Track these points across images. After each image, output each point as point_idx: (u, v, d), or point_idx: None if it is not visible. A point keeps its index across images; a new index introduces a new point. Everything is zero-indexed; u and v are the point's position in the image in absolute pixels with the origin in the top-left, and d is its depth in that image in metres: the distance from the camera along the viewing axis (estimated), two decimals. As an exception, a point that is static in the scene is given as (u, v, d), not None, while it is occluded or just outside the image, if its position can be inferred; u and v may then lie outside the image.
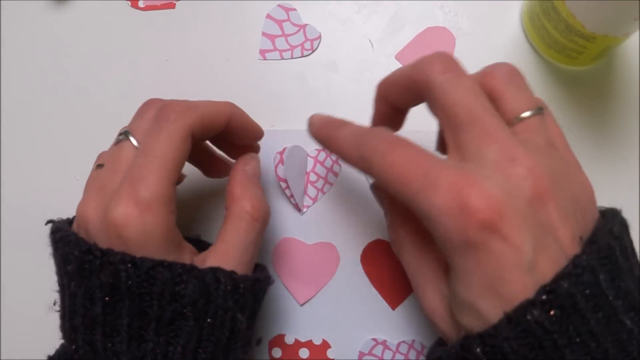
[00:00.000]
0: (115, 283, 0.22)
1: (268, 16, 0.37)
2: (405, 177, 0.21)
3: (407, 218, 0.26)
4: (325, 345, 0.32)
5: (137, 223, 0.22)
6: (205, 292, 0.23)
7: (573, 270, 0.19)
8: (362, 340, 0.32)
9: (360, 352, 0.31)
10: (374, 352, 0.31)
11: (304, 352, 0.32)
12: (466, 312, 0.21)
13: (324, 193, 0.33)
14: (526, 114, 0.23)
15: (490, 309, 0.19)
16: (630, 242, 0.22)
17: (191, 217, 0.33)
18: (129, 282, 0.22)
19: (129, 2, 0.37)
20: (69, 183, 0.35)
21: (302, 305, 0.32)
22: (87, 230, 0.24)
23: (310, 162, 0.34)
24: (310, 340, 0.32)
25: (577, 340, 0.19)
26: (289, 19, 0.36)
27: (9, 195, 0.35)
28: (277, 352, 0.32)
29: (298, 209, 0.33)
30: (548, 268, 0.19)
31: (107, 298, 0.23)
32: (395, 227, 0.27)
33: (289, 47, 0.36)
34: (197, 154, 0.30)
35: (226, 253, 0.25)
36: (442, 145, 0.24)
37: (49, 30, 0.37)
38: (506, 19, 0.36)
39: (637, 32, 0.31)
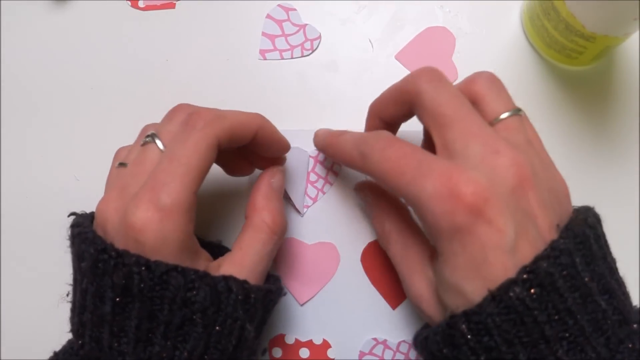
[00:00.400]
0: (128, 285, 0.23)
1: (268, 16, 0.37)
2: (400, 167, 0.23)
3: (392, 212, 0.29)
4: (326, 345, 0.32)
5: (155, 229, 0.23)
6: (216, 300, 0.23)
7: (551, 253, 0.21)
8: (362, 339, 0.32)
9: (360, 351, 0.31)
10: (374, 351, 0.31)
11: (304, 352, 0.32)
12: (452, 294, 0.22)
13: (324, 193, 0.33)
14: (505, 114, 0.25)
15: (474, 290, 0.21)
16: (603, 234, 0.24)
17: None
18: (142, 285, 0.22)
19: (129, 2, 0.37)
20: (69, 183, 0.35)
21: (302, 305, 0.32)
22: (105, 229, 0.24)
23: (311, 162, 0.34)
24: (311, 340, 0.32)
25: (556, 317, 0.21)
26: (289, 19, 0.36)
27: (9, 195, 0.35)
28: (277, 352, 0.32)
29: (298, 209, 0.33)
30: (528, 251, 0.21)
31: (117, 299, 0.23)
32: (381, 221, 0.29)
33: (289, 47, 0.36)
34: (221, 153, 0.30)
35: (242, 261, 0.26)
36: (427, 148, 0.26)
37: (49, 30, 0.37)
38: (506, 19, 0.36)
39: (637, 32, 0.31)
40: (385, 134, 0.25)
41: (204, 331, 0.23)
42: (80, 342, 0.24)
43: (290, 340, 0.32)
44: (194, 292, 0.23)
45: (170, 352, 0.23)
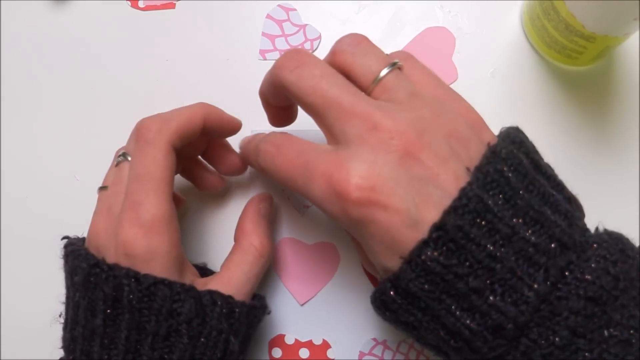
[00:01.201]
0: (118, 296, 0.23)
1: (268, 16, 0.37)
2: (290, 175, 0.23)
3: None
4: (326, 345, 0.32)
5: (143, 243, 0.24)
6: (201, 312, 0.24)
7: (458, 203, 0.20)
8: (362, 340, 0.32)
9: (360, 352, 0.31)
10: (374, 352, 0.31)
11: (304, 352, 0.32)
12: (383, 272, 0.23)
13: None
14: (382, 73, 0.23)
15: (395, 265, 0.21)
16: (530, 154, 0.23)
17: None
18: (131, 296, 0.23)
19: (129, 2, 0.37)
20: (69, 183, 0.35)
21: (302, 305, 0.32)
22: (97, 248, 0.25)
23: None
24: (311, 340, 0.32)
25: (478, 266, 0.20)
26: (289, 19, 0.36)
27: (9, 195, 0.35)
28: (277, 352, 0.32)
29: (298, 209, 0.33)
30: (434, 214, 0.20)
31: (108, 310, 0.24)
32: None
33: (289, 47, 0.36)
34: (190, 169, 0.32)
35: (229, 280, 0.26)
36: None
37: (49, 30, 0.37)
38: (506, 19, 0.36)
39: (637, 32, 0.31)
40: (273, 137, 0.25)
41: (190, 342, 0.24)
42: (71, 357, 0.25)
43: (290, 340, 0.32)
44: (180, 304, 0.24)
45: None
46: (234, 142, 0.31)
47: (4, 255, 0.34)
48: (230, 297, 0.25)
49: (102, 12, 0.37)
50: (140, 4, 0.37)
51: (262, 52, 0.36)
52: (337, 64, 0.24)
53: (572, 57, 0.34)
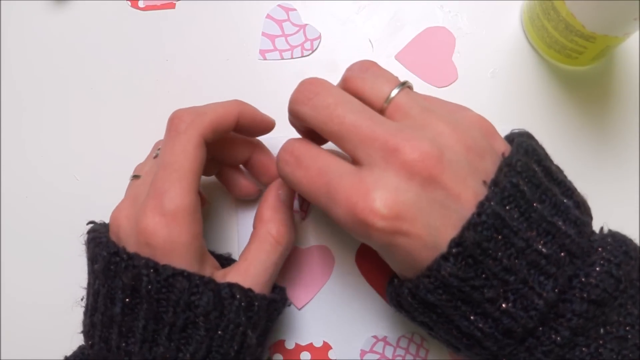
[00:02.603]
0: (137, 286, 0.24)
1: (268, 16, 0.37)
2: (314, 193, 0.23)
3: None
4: (327, 346, 0.32)
5: (164, 233, 0.24)
6: (219, 305, 0.24)
7: (477, 220, 0.21)
8: (362, 338, 0.32)
9: (362, 350, 0.31)
10: (375, 349, 0.31)
11: (305, 356, 0.32)
12: (402, 277, 0.24)
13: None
14: (393, 93, 0.24)
15: (414, 275, 0.23)
16: (542, 161, 0.23)
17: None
18: (149, 287, 0.23)
19: (129, 2, 0.37)
20: (69, 183, 0.35)
21: (300, 309, 0.32)
22: (118, 235, 0.25)
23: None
24: (311, 343, 0.32)
25: (493, 278, 0.21)
26: (289, 19, 0.36)
27: (9, 195, 0.35)
28: (278, 358, 0.32)
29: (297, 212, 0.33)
30: (453, 232, 0.21)
31: (127, 299, 0.24)
32: None
33: (289, 47, 0.36)
34: (228, 174, 0.31)
35: (247, 271, 0.26)
36: None
37: (49, 30, 0.37)
38: (506, 19, 0.36)
39: (637, 32, 0.31)
40: (290, 147, 0.25)
41: (207, 335, 0.24)
42: (90, 342, 0.25)
43: (290, 345, 0.32)
44: (198, 296, 0.24)
45: (174, 354, 0.24)
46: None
47: (4, 255, 0.34)
48: (249, 290, 0.25)
49: (102, 12, 0.37)
50: (140, 4, 0.37)
51: (262, 52, 0.36)
52: (350, 90, 0.25)
53: (572, 57, 0.34)
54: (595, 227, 0.25)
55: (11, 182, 0.35)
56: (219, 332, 0.24)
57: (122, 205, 0.26)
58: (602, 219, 0.25)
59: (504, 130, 0.26)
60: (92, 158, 0.35)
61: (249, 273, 0.26)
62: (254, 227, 0.28)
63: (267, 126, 0.30)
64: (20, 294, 0.34)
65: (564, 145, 0.34)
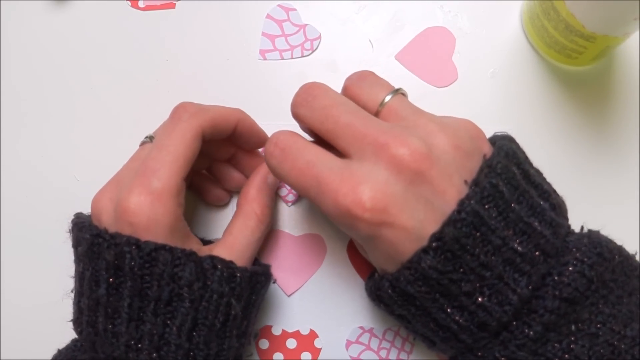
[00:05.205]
0: (120, 264, 0.24)
1: (268, 16, 0.37)
2: (302, 185, 0.24)
3: None
4: (313, 335, 0.32)
5: (147, 211, 0.24)
6: (202, 275, 0.24)
7: (457, 217, 0.22)
8: (349, 328, 0.32)
9: (347, 340, 0.32)
10: (361, 340, 0.32)
11: (291, 343, 0.32)
12: (380, 270, 0.25)
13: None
14: (387, 98, 0.25)
15: (395, 268, 0.23)
16: (521, 164, 0.24)
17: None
18: (132, 263, 0.24)
19: (129, 2, 0.37)
20: (69, 183, 0.35)
21: (289, 296, 0.32)
22: (99, 219, 0.26)
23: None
24: (298, 331, 0.32)
25: (471, 273, 0.22)
26: (289, 19, 0.36)
27: (9, 195, 0.35)
28: (264, 344, 0.32)
29: (285, 201, 0.33)
30: (435, 227, 0.22)
31: (111, 279, 0.24)
32: None
33: (289, 47, 0.36)
34: (199, 181, 0.33)
35: (232, 245, 0.27)
36: None
37: (49, 30, 0.37)
38: (506, 19, 0.36)
39: (637, 32, 0.31)
40: (276, 139, 0.25)
41: (191, 306, 0.24)
42: (79, 329, 0.26)
43: (277, 331, 0.32)
44: (181, 268, 0.24)
45: (161, 329, 0.24)
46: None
47: (4, 255, 0.34)
48: (231, 262, 0.26)
49: (102, 12, 0.37)
50: (140, 4, 0.37)
51: (262, 52, 0.36)
52: (348, 96, 0.26)
53: (572, 57, 0.34)
54: (589, 226, 0.25)
55: (11, 182, 0.35)
56: (204, 303, 0.24)
57: (105, 189, 0.27)
58: (602, 219, 0.26)
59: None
60: (93, 158, 0.35)
61: (235, 247, 0.27)
62: (239, 205, 0.29)
63: (262, 140, 0.31)
64: (20, 294, 0.34)
65: (564, 145, 0.34)
